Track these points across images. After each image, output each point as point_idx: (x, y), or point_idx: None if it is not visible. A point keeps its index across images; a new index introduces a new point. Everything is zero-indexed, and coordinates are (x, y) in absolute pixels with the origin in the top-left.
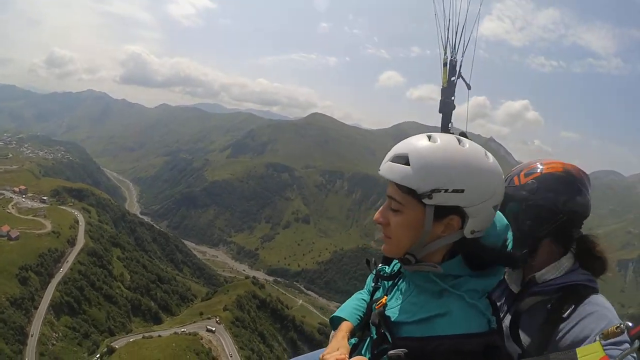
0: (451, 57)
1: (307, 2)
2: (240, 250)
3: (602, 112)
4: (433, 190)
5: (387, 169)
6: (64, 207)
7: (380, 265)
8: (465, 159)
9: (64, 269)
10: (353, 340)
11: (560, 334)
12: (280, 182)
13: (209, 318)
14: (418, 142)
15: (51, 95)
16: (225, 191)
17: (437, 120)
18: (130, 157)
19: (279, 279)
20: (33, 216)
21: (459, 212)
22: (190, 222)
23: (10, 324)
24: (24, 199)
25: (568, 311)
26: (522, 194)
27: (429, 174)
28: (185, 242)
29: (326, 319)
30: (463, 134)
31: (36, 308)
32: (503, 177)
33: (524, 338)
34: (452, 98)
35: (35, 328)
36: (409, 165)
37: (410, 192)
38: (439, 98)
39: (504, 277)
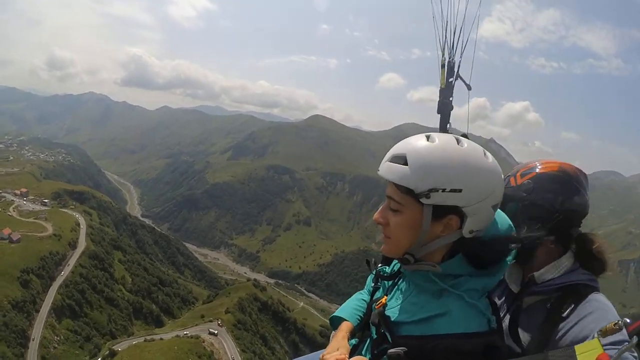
0: (449, 58)
1: (307, 4)
2: (242, 253)
3: (602, 113)
4: (431, 190)
5: (386, 169)
6: (65, 210)
7: (380, 265)
8: (463, 159)
9: (65, 272)
10: (353, 341)
11: (560, 333)
12: (281, 184)
13: (210, 321)
14: (416, 142)
15: (52, 98)
16: (226, 193)
17: (437, 121)
18: (131, 159)
19: (280, 282)
20: (34, 219)
21: (458, 212)
22: (191, 225)
23: (12, 327)
24: (25, 202)
25: (568, 310)
26: (519, 194)
27: (427, 174)
28: (187, 244)
29: (327, 321)
30: (464, 136)
31: (38, 311)
32: (502, 176)
33: (524, 337)
34: (450, 99)
35: (37, 331)
36: (407, 165)
37: (408, 192)
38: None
39: (503, 276)
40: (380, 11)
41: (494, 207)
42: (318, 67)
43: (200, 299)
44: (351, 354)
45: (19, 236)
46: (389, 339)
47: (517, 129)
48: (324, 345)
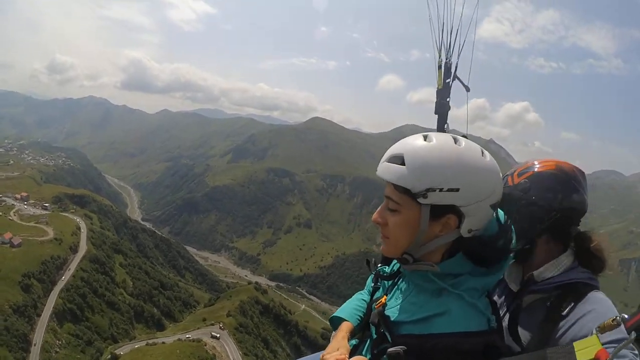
0: (446, 59)
1: (307, 6)
2: (242, 256)
3: (602, 113)
4: (428, 190)
5: (384, 169)
6: (65, 214)
7: (379, 265)
8: (460, 158)
9: (66, 276)
10: (354, 341)
11: (560, 332)
12: (282, 187)
13: (212, 324)
14: (413, 142)
15: (52, 102)
16: (226, 196)
17: (436, 122)
18: (131, 163)
19: (281, 284)
20: (35, 223)
21: (456, 211)
22: (191, 228)
23: (14, 332)
24: (25, 206)
25: (567, 309)
26: (516, 193)
27: (423, 174)
28: (187, 248)
29: (329, 323)
30: (464, 137)
31: (39, 315)
32: (501, 176)
33: (523, 336)
34: (448, 99)
35: (39, 336)
36: (404, 165)
37: (406, 191)
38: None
39: (503, 276)
40: (379, 13)
41: (493, 207)
42: (317, 69)
43: (202, 303)
44: (351, 354)
45: (20, 240)
46: (389, 339)
47: (516, 130)
48: (325, 348)
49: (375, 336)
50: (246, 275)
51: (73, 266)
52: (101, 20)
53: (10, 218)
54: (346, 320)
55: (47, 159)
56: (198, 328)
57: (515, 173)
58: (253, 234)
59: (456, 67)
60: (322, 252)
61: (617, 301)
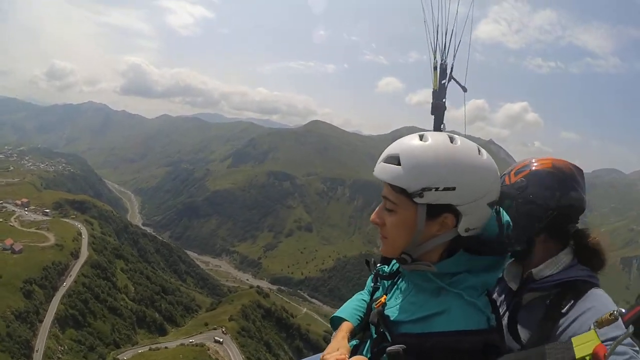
0: (442, 60)
1: (305, 10)
2: (243, 260)
3: (601, 112)
4: (424, 189)
5: (380, 169)
6: (66, 220)
7: (379, 265)
8: (455, 157)
9: (67, 282)
10: (354, 342)
11: (560, 330)
12: (282, 191)
13: (214, 328)
14: (409, 142)
15: (52, 107)
16: (227, 201)
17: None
18: (131, 168)
19: (282, 288)
20: (36, 229)
21: (453, 211)
22: (192, 233)
23: (16, 338)
24: (26, 212)
25: (567, 306)
26: (513, 192)
27: (419, 173)
28: (188, 252)
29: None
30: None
31: (41, 321)
32: (498, 174)
33: (523, 334)
34: (444, 100)
35: (41, 342)
36: (400, 165)
37: (402, 191)
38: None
39: (502, 274)
40: (377, 15)
41: (490, 205)
42: (316, 72)
43: (204, 307)
44: (352, 355)
45: (21, 246)
46: (388, 338)
47: (516, 130)
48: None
49: (375, 336)
50: (247, 279)
51: (74, 272)
52: (100, 27)
53: (11, 224)
54: (346, 321)
55: (47, 165)
56: (200, 332)
57: (512, 172)
58: (254, 238)
59: (452, 69)
60: (323, 255)
61: (619, 299)
